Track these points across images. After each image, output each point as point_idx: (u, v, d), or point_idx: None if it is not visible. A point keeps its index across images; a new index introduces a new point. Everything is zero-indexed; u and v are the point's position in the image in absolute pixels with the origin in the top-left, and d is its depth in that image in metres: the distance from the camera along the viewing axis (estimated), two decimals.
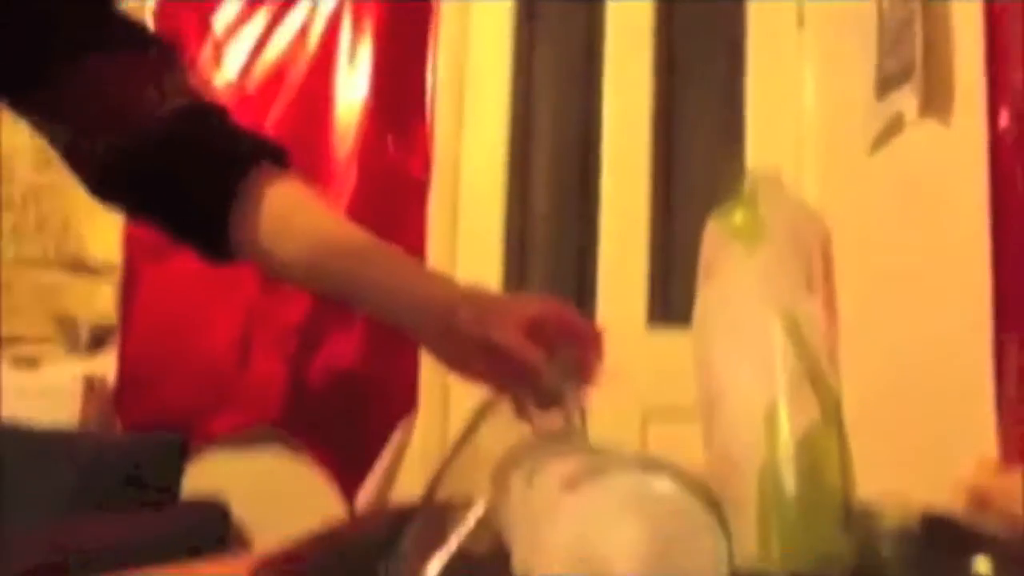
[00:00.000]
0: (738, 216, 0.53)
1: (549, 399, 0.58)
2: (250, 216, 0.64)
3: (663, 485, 0.40)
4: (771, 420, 0.48)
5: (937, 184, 1.48)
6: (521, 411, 0.59)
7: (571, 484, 0.40)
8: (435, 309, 0.61)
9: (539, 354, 0.58)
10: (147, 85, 0.63)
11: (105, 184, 0.64)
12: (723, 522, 0.40)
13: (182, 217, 0.65)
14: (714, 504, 0.40)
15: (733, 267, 0.52)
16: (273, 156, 0.67)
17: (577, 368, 0.59)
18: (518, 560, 0.43)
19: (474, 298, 0.62)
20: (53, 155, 0.65)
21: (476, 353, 0.60)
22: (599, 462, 0.42)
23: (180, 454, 2.00)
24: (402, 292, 0.63)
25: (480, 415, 0.58)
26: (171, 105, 0.63)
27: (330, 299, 0.68)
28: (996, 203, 1.39)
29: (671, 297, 2.06)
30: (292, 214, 0.64)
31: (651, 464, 0.40)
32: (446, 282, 0.65)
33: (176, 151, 0.63)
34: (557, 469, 0.44)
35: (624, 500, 0.39)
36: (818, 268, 0.52)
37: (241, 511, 2.01)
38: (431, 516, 0.54)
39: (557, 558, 0.39)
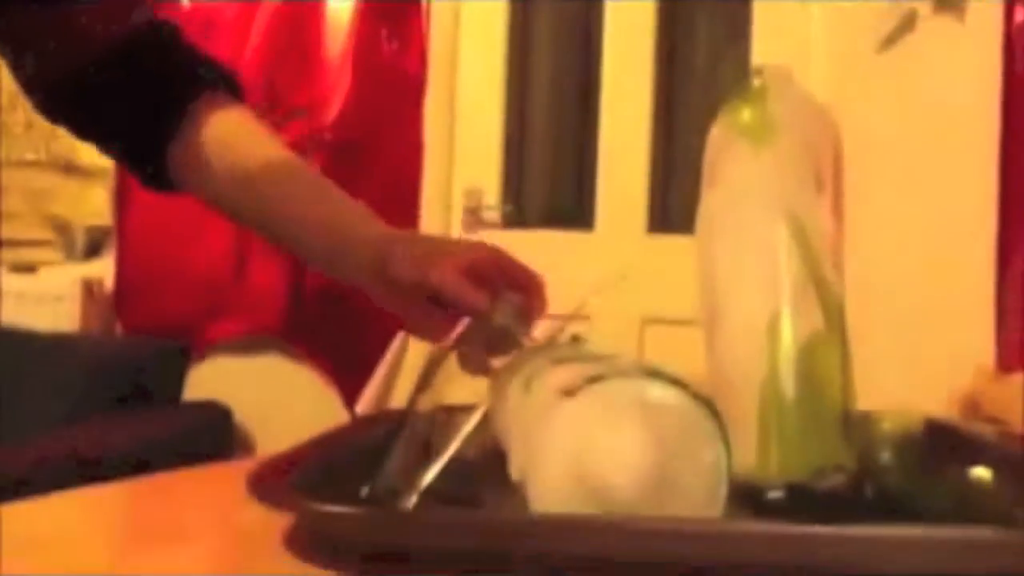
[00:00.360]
0: (746, 113, 0.50)
1: (499, 342, 0.57)
2: (190, 142, 0.61)
3: (664, 393, 0.39)
4: (774, 328, 0.47)
5: (948, 84, 1.44)
6: (466, 362, 0.58)
7: (570, 390, 0.40)
8: (368, 251, 0.59)
9: (482, 296, 0.56)
10: (104, 4, 0.60)
11: (52, 102, 0.62)
12: (724, 431, 0.39)
13: (123, 140, 0.63)
14: (715, 413, 0.39)
15: (739, 166, 0.50)
16: (224, 84, 0.64)
17: (521, 312, 0.58)
18: (514, 466, 0.43)
19: (410, 241, 0.61)
20: None
21: (414, 299, 0.58)
22: (599, 369, 0.41)
23: (182, 359, 2.02)
24: (336, 231, 0.61)
25: (432, 366, 0.56)
26: (123, 26, 0.61)
27: (267, 240, 0.66)
28: (1008, 104, 1.36)
29: (672, 203, 2.03)
30: (232, 143, 0.62)
31: (652, 372, 0.40)
32: (382, 225, 0.63)
33: (122, 72, 0.61)
34: (556, 375, 0.44)
35: (624, 407, 0.39)
36: (827, 168, 0.50)
37: (243, 418, 2.04)
38: (419, 424, 0.54)
39: (554, 464, 0.39)
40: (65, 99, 0.62)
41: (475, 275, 0.57)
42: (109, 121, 0.63)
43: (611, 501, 0.38)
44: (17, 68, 0.62)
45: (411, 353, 2.04)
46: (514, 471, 0.43)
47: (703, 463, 0.39)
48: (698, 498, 0.39)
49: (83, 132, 0.64)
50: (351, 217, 0.62)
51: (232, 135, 0.62)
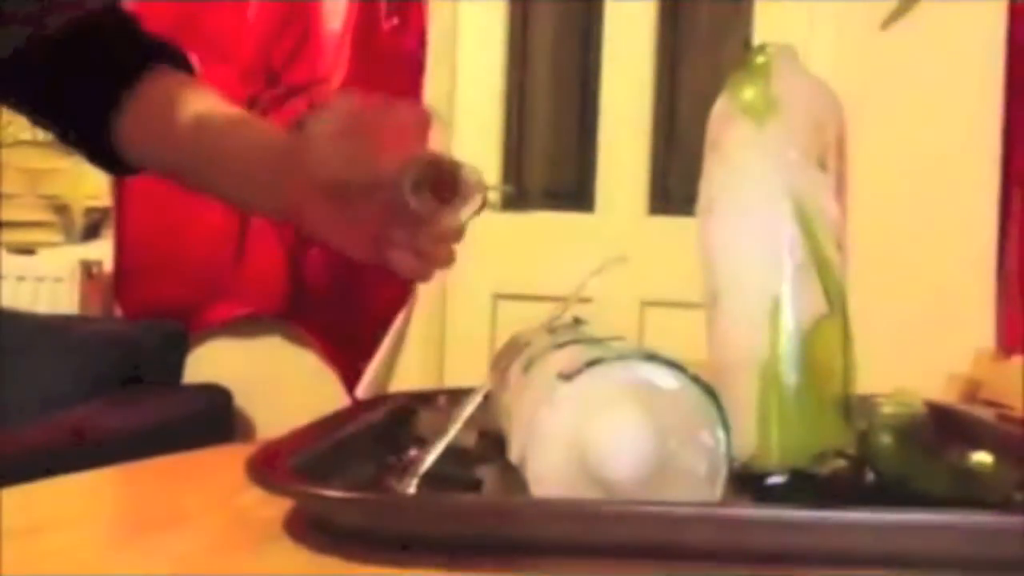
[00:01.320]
0: (749, 90, 0.50)
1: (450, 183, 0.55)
2: (139, 110, 0.60)
3: (663, 376, 0.39)
4: (775, 311, 0.47)
5: (951, 63, 1.43)
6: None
7: (569, 374, 0.40)
8: (276, 151, 0.56)
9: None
10: None
11: None
12: (724, 415, 0.39)
13: (69, 117, 0.62)
14: (715, 397, 0.39)
15: (741, 145, 0.50)
16: (176, 62, 0.63)
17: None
18: (514, 449, 0.43)
19: (331, 137, 0.56)
20: None
21: (336, 203, 0.55)
22: (598, 352, 0.41)
23: (182, 341, 2.02)
24: (258, 156, 0.58)
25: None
26: (76, 9, 0.59)
27: (214, 196, 0.63)
28: (1011, 83, 1.35)
29: (673, 185, 2.03)
30: (178, 102, 0.59)
31: (651, 355, 0.40)
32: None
33: (70, 49, 0.60)
34: (556, 359, 0.44)
35: (623, 390, 0.39)
36: (831, 147, 0.49)
37: (244, 401, 2.04)
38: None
39: (553, 447, 0.39)
40: (7, 77, 0.60)
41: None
42: (54, 98, 0.61)
43: (610, 485, 0.38)
44: None
45: (412, 336, 2.04)
46: (513, 455, 0.43)
47: (702, 446, 0.39)
48: (697, 481, 0.39)
49: (27, 110, 0.63)
50: (271, 137, 0.59)
51: (177, 97, 0.60)
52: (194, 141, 0.60)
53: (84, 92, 0.61)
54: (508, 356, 0.53)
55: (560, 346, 0.47)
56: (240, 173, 0.60)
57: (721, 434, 0.39)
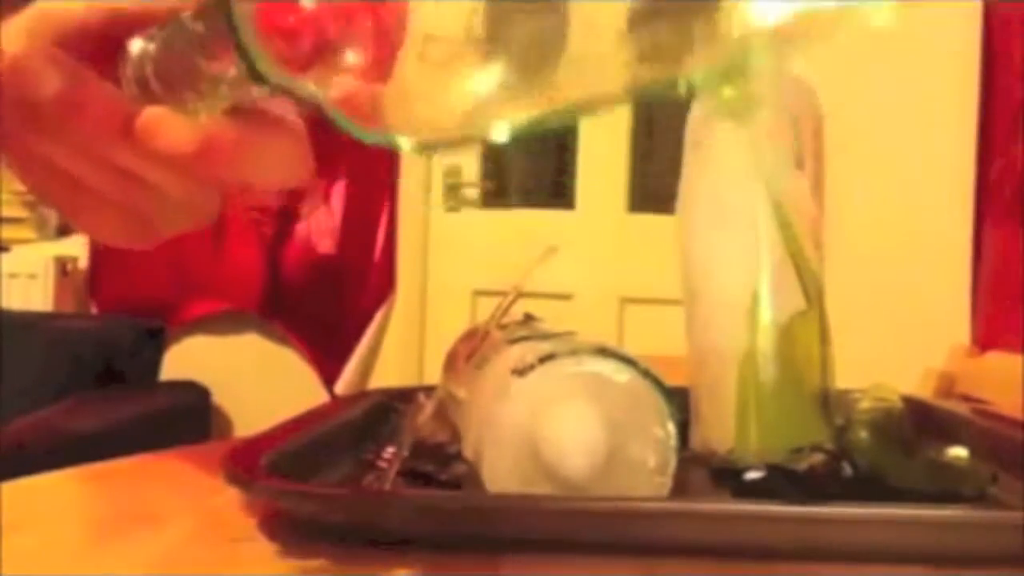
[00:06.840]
0: (726, 89, 0.50)
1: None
2: None
3: (614, 371, 0.40)
4: (753, 307, 0.47)
5: (927, 62, 1.45)
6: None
7: (521, 369, 0.40)
8: None
9: None
10: None
11: None
12: (672, 408, 0.40)
13: None
14: (664, 390, 0.40)
15: (719, 143, 0.50)
16: None
17: None
18: (467, 445, 0.43)
19: None
20: None
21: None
22: (551, 348, 0.41)
23: (158, 338, 2.00)
24: None
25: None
26: None
27: None
28: (986, 82, 1.37)
29: (653, 182, 2.03)
30: None
31: (603, 350, 0.40)
32: None
33: None
34: (509, 354, 0.44)
35: (574, 385, 0.39)
36: (808, 145, 0.50)
37: (222, 398, 2.03)
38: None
39: (507, 442, 0.39)
40: None
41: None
42: None
43: (563, 478, 0.38)
44: None
45: (391, 333, 2.04)
46: (468, 450, 0.43)
47: (652, 439, 0.39)
48: (647, 473, 0.39)
49: None
50: None
51: None
52: None
53: None
54: (461, 352, 0.53)
55: (513, 342, 0.47)
56: None
57: (671, 427, 0.39)
